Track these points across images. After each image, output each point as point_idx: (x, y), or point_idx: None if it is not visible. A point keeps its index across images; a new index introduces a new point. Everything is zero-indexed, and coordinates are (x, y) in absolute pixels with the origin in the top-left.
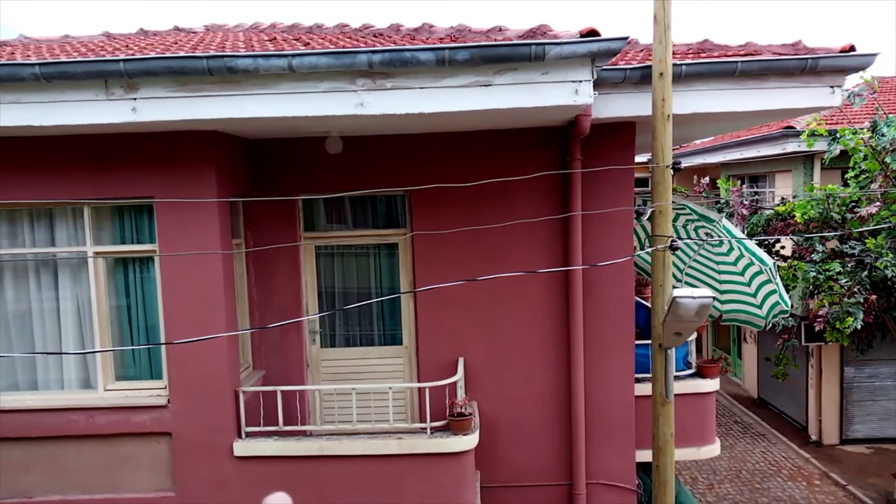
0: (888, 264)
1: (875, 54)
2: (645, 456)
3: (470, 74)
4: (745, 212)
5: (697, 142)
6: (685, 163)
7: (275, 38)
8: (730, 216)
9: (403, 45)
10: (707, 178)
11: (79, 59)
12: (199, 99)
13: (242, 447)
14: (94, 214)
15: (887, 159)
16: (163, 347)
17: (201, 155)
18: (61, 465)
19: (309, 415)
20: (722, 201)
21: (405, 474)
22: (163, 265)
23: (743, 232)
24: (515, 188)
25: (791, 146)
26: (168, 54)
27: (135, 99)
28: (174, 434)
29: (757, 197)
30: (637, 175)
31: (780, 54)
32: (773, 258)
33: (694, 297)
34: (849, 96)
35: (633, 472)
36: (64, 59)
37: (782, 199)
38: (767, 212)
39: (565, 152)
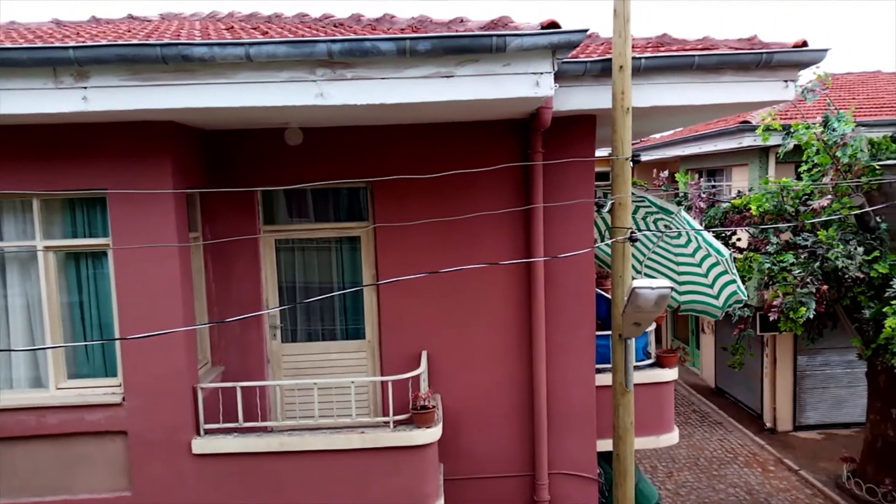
0: (838, 255)
1: (826, 50)
2: (606, 445)
3: (432, 65)
4: (702, 205)
5: (658, 136)
6: (646, 157)
7: (232, 28)
8: (688, 209)
9: (364, 34)
10: (666, 172)
11: (25, 45)
12: (154, 88)
13: (201, 444)
14: (43, 207)
15: (838, 153)
16: (117, 344)
17: (156, 146)
18: (10, 467)
19: (270, 411)
20: (681, 195)
21: (368, 468)
22: (117, 259)
23: (701, 224)
24: (479, 181)
25: (747, 140)
26: (121, 42)
27: (85, 87)
28: (130, 432)
29: (714, 190)
30: (598, 169)
31: (736, 49)
32: (729, 250)
33: (653, 288)
34: (802, 92)
35: (595, 461)
36: (9, 45)
37: (738, 192)
38: (724, 205)
39: (527, 145)
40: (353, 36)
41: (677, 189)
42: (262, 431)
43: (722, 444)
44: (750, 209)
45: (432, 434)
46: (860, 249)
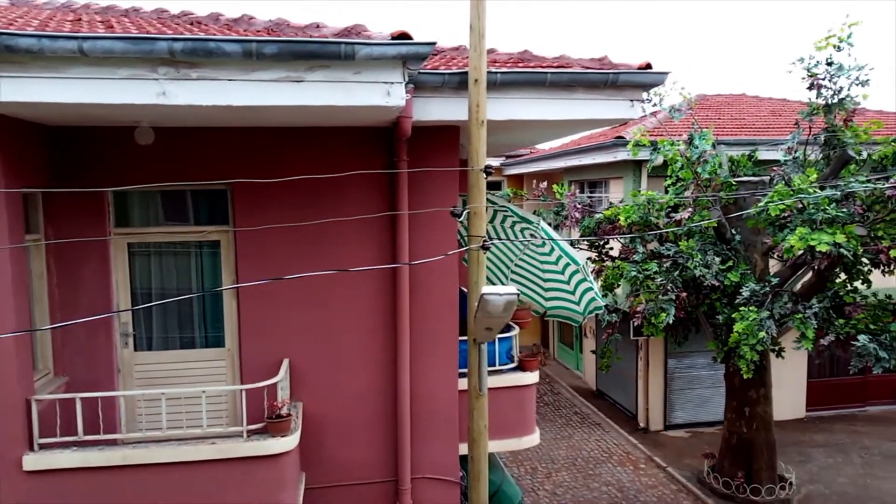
0: (697, 265)
1: (666, 73)
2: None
3: (281, 69)
4: (577, 215)
5: (547, 147)
6: (532, 168)
7: (80, 19)
8: (564, 219)
9: (217, 34)
10: (545, 183)
11: None
12: None
13: (34, 460)
14: None
15: (699, 169)
16: None
17: None
18: None
19: (119, 423)
20: (557, 206)
21: (221, 480)
22: None
23: (577, 234)
24: (345, 187)
25: (621, 154)
26: None
27: None
28: None
29: (591, 201)
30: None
31: (587, 68)
32: (604, 259)
33: (500, 294)
34: (670, 111)
35: (457, 464)
36: None
37: (610, 203)
38: (598, 215)
39: (392, 153)
40: (196, 35)
41: (556, 199)
42: (106, 445)
43: (599, 444)
44: (619, 220)
45: (288, 443)
46: (717, 259)
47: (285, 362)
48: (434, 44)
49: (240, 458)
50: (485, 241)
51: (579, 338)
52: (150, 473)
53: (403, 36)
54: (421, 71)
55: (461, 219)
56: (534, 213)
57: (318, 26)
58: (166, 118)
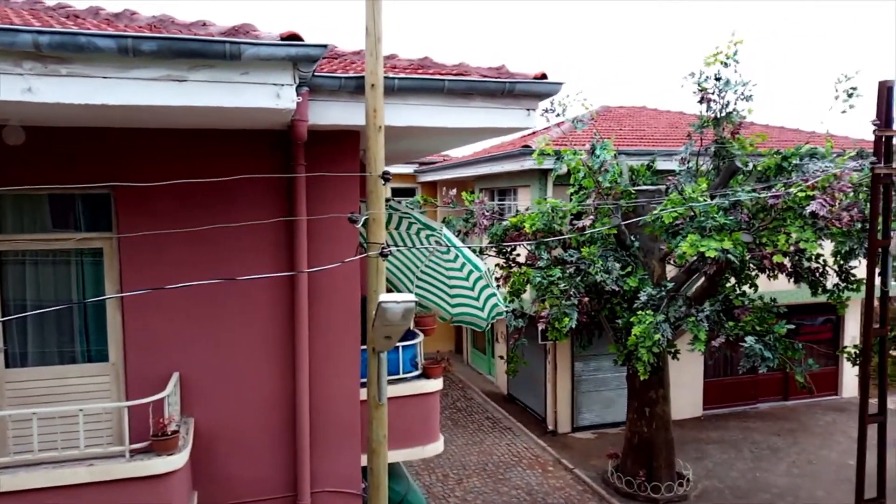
0: (598, 270)
1: (561, 83)
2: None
3: (161, 67)
4: (486, 222)
5: (459, 155)
6: (444, 175)
7: None
8: (473, 226)
9: (94, 28)
10: (454, 190)
11: None
12: None
13: None
14: None
15: (600, 178)
16: None
17: None
18: None
19: None
20: (467, 212)
21: (102, 503)
22: None
23: (485, 240)
24: (240, 192)
25: (528, 163)
26: None
27: None
28: None
29: (501, 208)
30: (401, 185)
31: (485, 76)
32: (511, 265)
33: (398, 302)
34: (573, 121)
35: (360, 476)
36: None
37: (516, 210)
38: (505, 222)
39: (290, 157)
40: (66, 29)
41: (466, 207)
42: None
43: (509, 448)
44: (525, 227)
45: (175, 461)
46: (617, 265)
47: (175, 376)
48: (325, 46)
49: (122, 480)
50: (383, 248)
51: (491, 343)
52: (21, 501)
53: (293, 37)
54: (316, 74)
55: (360, 225)
56: (444, 220)
57: (204, 24)
58: (37, 117)
